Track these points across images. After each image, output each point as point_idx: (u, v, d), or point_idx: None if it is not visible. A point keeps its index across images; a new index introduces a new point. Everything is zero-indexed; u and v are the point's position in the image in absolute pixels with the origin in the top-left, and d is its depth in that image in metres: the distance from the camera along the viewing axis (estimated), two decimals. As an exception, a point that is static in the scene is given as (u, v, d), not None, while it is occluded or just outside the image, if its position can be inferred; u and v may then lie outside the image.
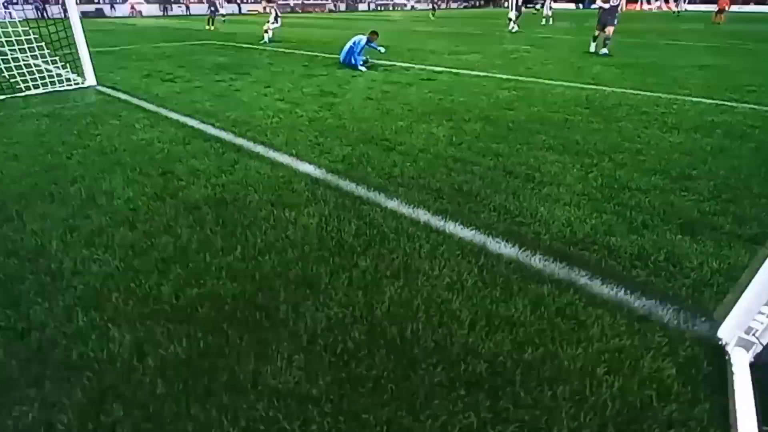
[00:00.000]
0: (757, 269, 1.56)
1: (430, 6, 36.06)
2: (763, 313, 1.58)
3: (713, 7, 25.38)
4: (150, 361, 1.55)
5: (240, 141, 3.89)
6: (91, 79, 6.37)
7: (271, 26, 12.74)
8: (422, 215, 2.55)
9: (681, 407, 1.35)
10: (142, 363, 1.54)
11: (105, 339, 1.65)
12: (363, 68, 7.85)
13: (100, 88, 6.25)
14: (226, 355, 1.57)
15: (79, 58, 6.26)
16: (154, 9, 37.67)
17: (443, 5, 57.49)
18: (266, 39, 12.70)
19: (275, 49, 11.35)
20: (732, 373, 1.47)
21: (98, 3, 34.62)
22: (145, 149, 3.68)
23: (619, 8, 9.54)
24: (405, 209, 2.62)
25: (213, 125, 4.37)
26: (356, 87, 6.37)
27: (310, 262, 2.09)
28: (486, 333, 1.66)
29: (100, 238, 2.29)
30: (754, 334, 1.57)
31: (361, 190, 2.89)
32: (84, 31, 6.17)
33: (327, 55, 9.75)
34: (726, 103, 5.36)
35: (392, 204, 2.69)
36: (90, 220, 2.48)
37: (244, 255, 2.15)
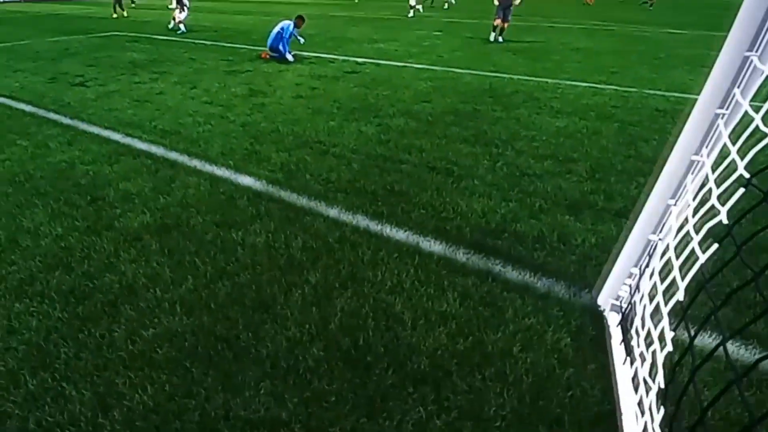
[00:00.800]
0: (623, 244, 1.83)
1: None
2: (626, 284, 1.88)
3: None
4: (116, 414, 1.45)
5: (173, 155, 3.52)
6: (-17, 89, 5.25)
7: (179, 16, 11.27)
8: (362, 221, 2.57)
9: (576, 370, 1.59)
10: (108, 418, 1.43)
11: (62, 400, 1.49)
12: (290, 57, 7.37)
13: (-4, 98, 5.20)
14: (193, 394, 1.51)
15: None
16: (46, -8, 31.02)
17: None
18: (182, 29, 11.25)
19: (194, 41, 10.12)
20: (609, 335, 1.75)
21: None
22: (66, 174, 3.17)
23: (512, 6, 9.73)
24: (345, 216, 2.62)
25: (140, 138, 3.88)
26: (285, 84, 5.98)
27: (263, 283, 2.04)
28: (426, 330, 1.78)
29: (33, 287, 2.00)
30: (620, 301, 1.87)
31: (302, 201, 2.81)
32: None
33: (250, 48, 8.95)
34: (596, 85, 5.94)
35: (333, 212, 2.67)
36: (16, 267, 2.14)
37: (196, 285, 2.02)
